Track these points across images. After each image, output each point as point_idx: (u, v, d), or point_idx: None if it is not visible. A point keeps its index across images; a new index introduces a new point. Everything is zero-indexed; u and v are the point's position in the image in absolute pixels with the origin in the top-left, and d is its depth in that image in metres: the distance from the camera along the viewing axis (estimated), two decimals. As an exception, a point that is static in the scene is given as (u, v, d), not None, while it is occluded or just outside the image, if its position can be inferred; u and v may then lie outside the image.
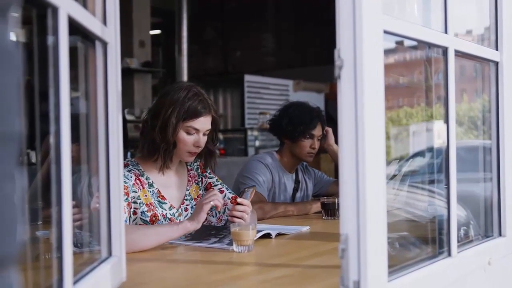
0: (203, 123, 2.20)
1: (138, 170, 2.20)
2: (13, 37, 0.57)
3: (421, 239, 1.69)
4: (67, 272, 1.01)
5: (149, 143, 2.20)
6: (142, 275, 1.61)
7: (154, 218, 2.17)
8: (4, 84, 0.54)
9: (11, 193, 0.55)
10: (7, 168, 0.55)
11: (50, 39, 1.02)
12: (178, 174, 2.33)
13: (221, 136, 7.66)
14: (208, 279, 1.55)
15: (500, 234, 1.80)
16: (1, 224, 0.54)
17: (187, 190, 2.34)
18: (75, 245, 1.22)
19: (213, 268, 1.69)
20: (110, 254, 1.37)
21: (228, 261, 1.77)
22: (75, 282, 1.09)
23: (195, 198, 2.35)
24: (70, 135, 1.03)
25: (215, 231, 2.13)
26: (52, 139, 1.01)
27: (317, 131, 3.00)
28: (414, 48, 1.71)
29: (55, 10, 0.99)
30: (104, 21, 1.35)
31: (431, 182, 1.94)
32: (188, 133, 2.18)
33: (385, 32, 1.25)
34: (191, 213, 2.28)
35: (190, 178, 2.37)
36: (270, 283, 1.50)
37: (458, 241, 1.54)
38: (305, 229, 2.34)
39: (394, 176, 2.26)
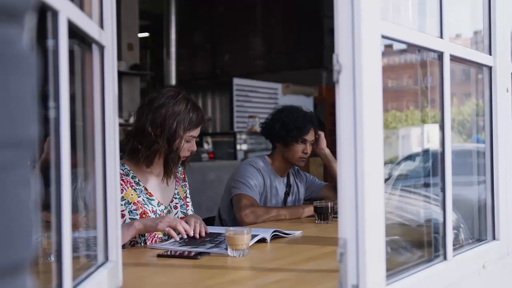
0: (199, 130, 2.35)
1: (123, 170, 2.23)
2: (28, 42, 0.56)
3: (416, 243, 1.70)
4: (67, 277, 1.00)
5: (153, 153, 2.26)
6: (138, 280, 1.60)
7: (144, 215, 2.23)
8: (20, 89, 0.54)
9: (26, 198, 0.54)
10: (23, 173, 0.54)
11: (49, 43, 1.01)
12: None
13: (210, 139, 7.64)
14: (205, 284, 1.54)
15: (494, 238, 1.81)
16: (17, 230, 0.53)
17: (176, 189, 2.43)
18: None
19: (208, 273, 1.69)
20: (106, 259, 1.36)
21: (223, 265, 1.77)
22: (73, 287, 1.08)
23: (182, 198, 2.45)
24: (69, 139, 1.02)
25: (209, 237, 2.13)
26: (51, 143, 1.00)
27: (310, 136, 3.01)
28: (402, 52, 1.71)
29: (55, 13, 0.99)
30: (101, 25, 1.34)
31: (423, 185, 1.94)
32: (188, 141, 2.30)
33: (383, 36, 1.25)
34: (181, 211, 2.40)
35: (177, 179, 2.47)
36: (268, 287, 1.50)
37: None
38: (298, 233, 2.34)
39: (386, 180, 2.27)
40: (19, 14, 0.54)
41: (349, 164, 1.17)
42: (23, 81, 0.54)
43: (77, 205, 1.52)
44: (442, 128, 1.53)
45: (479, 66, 1.83)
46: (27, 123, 0.55)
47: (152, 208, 2.26)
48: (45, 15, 1.00)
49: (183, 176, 2.53)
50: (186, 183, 2.53)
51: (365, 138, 1.16)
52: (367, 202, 1.16)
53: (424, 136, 1.97)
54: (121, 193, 2.18)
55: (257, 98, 8.22)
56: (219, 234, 2.17)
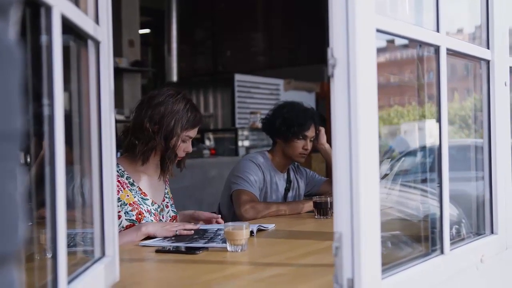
0: (196, 131, 2.37)
1: (117, 171, 2.24)
2: (13, 36, 0.57)
3: (413, 238, 1.70)
4: (62, 272, 1.01)
5: (149, 150, 2.27)
6: (135, 275, 1.61)
7: (140, 216, 2.25)
8: (6, 83, 0.54)
9: (13, 191, 0.55)
10: (10, 166, 0.55)
11: (43, 38, 1.02)
12: (157, 174, 2.41)
13: (211, 136, 7.64)
14: (202, 279, 1.55)
15: (492, 232, 1.81)
16: (3, 222, 0.54)
17: (166, 189, 2.47)
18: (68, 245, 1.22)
19: (206, 268, 1.69)
20: (103, 254, 1.37)
21: (221, 260, 1.77)
22: (69, 282, 1.08)
23: (171, 198, 2.49)
24: (64, 136, 1.02)
25: (197, 235, 2.13)
26: (45, 140, 1.01)
27: (310, 132, 3.01)
28: (405, 47, 1.71)
29: (48, 9, 0.99)
30: (97, 20, 1.35)
31: (423, 181, 1.94)
32: (184, 141, 2.32)
33: (378, 30, 1.25)
34: (172, 210, 2.44)
35: (166, 180, 2.49)
36: (264, 282, 1.50)
37: (451, 239, 1.55)
38: (271, 226, 2.36)
39: (386, 175, 2.27)
40: (4, 8, 0.54)
41: (344, 158, 1.17)
42: (9, 74, 0.54)
43: (77, 202, 1.53)
44: (438, 122, 1.53)
45: (477, 60, 1.83)
46: (14, 116, 0.56)
47: (147, 207, 2.29)
48: (39, 10, 1.00)
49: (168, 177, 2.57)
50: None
51: (359, 132, 1.16)
52: (362, 196, 1.16)
53: (425, 132, 1.97)
54: (117, 194, 2.19)
55: (259, 94, 8.22)
56: (205, 231, 2.19)
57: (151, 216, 2.28)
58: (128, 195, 2.25)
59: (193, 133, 2.34)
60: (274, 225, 2.40)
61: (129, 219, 2.21)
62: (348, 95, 1.17)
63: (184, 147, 2.33)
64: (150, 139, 2.25)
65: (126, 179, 2.29)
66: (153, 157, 2.32)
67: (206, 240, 2.00)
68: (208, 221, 2.43)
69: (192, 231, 2.14)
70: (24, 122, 0.57)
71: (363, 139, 1.16)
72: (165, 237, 2.08)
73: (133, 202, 2.25)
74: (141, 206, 2.26)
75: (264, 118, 3.17)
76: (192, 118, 2.31)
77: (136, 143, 2.26)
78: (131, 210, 2.23)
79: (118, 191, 2.21)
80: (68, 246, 1.14)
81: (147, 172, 2.36)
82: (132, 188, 2.28)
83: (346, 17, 1.16)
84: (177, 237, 2.08)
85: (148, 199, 2.32)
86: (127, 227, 2.19)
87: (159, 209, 2.36)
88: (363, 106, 1.17)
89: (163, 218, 2.36)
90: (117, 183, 2.21)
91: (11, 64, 0.54)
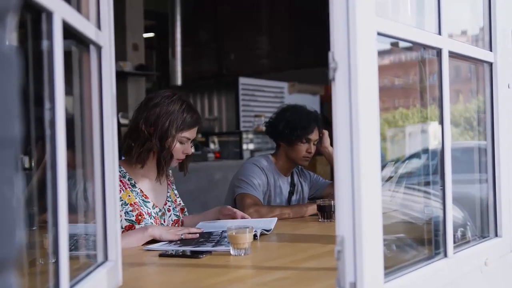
0: (195, 132, 2.36)
1: (120, 172, 2.24)
2: (11, 42, 0.57)
3: (417, 241, 1.69)
4: (64, 277, 1.01)
5: (145, 151, 2.27)
6: (138, 280, 1.61)
7: (140, 217, 2.25)
8: (3, 89, 0.54)
9: (10, 197, 0.55)
10: (7, 172, 0.55)
11: (44, 44, 1.02)
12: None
13: (216, 139, 7.65)
14: (206, 283, 1.55)
15: (496, 235, 1.80)
16: (1, 228, 0.54)
17: (168, 192, 2.46)
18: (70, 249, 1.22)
19: (210, 272, 1.69)
20: (106, 258, 1.37)
21: (225, 264, 1.77)
22: (71, 287, 1.09)
23: (173, 201, 2.48)
24: (65, 140, 1.02)
25: (203, 238, 2.12)
26: (47, 144, 1.01)
27: (314, 136, 3.00)
28: (409, 49, 1.71)
29: (49, 14, 0.99)
30: (98, 25, 1.35)
31: (427, 183, 1.94)
32: (181, 142, 2.31)
33: (379, 34, 1.25)
34: (173, 214, 2.43)
35: (169, 183, 2.50)
36: (267, 286, 1.50)
37: (455, 242, 1.54)
38: (274, 221, 2.39)
39: (390, 177, 2.26)
40: (1, 14, 0.54)
41: (346, 161, 1.17)
42: (5, 80, 0.54)
43: (80, 207, 1.53)
44: (441, 124, 1.52)
45: (480, 62, 1.82)
46: (12, 122, 0.56)
47: (147, 210, 2.29)
48: (40, 15, 1.01)
49: (172, 178, 2.57)
50: (174, 186, 2.56)
51: (361, 135, 1.16)
52: (364, 199, 1.16)
53: (430, 134, 1.96)
54: (119, 193, 2.20)
55: (263, 97, 8.23)
56: (211, 234, 2.18)
57: (151, 218, 2.27)
58: (129, 195, 2.26)
59: (190, 134, 2.32)
60: (276, 218, 2.42)
61: (128, 220, 2.21)
62: (349, 98, 1.17)
63: (182, 149, 2.32)
64: (146, 141, 2.25)
65: (128, 180, 2.29)
66: (152, 160, 2.32)
67: (213, 244, 2.00)
68: (233, 217, 2.45)
69: (197, 235, 2.14)
70: (23, 128, 0.58)
71: (364, 142, 1.16)
72: (170, 241, 2.08)
73: (134, 203, 2.25)
74: (141, 207, 2.27)
75: (268, 121, 3.17)
76: (188, 119, 2.29)
77: (132, 145, 2.27)
78: (132, 211, 2.23)
79: (120, 190, 2.21)
80: (70, 250, 1.14)
81: (148, 176, 2.35)
82: (133, 189, 2.29)
83: (347, 20, 1.16)
84: (183, 241, 2.08)
85: (149, 202, 2.32)
86: (126, 228, 2.20)
87: (160, 213, 2.35)
88: (364, 109, 1.17)
89: (164, 222, 2.36)
90: (120, 183, 2.22)
91: (8, 70, 0.54)
